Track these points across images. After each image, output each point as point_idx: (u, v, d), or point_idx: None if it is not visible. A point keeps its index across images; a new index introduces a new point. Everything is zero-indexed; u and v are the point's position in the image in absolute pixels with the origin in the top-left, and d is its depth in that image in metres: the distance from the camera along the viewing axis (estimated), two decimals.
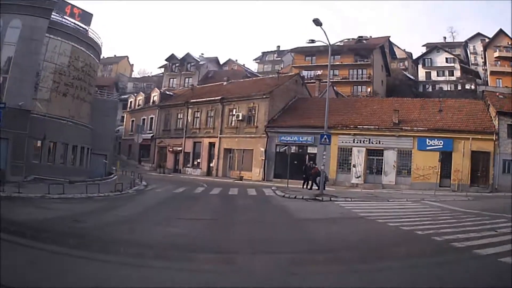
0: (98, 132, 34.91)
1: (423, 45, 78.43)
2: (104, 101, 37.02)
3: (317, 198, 20.19)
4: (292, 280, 6.00)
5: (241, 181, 33.72)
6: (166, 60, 74.35)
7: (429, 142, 31.54)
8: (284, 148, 35.02)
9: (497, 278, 6.50)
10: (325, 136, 22.24)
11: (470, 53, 74.96)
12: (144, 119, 52.11)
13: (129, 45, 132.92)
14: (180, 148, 43.41)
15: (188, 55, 72.73)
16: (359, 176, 32.73)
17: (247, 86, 40.76)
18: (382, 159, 32.50)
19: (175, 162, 44.43)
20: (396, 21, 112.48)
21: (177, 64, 72.62)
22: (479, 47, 70.62)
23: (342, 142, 33.02)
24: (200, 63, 72.91)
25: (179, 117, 44.75)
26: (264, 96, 36.23)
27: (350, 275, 6.34)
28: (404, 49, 79.58)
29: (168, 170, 42.53)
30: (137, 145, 52.23)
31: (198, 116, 42.17)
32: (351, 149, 33.01)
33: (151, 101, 51.82)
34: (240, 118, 37.09)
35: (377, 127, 32.80)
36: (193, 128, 42.44)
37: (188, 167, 42.23)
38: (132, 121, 55.70)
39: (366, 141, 32.76)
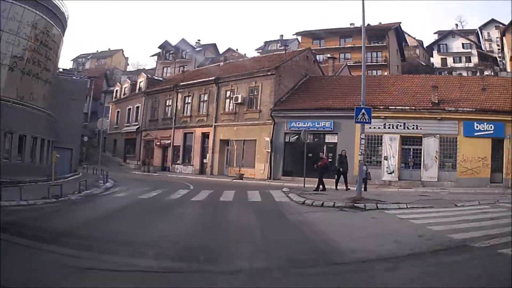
0: (62, 121, 27.97)
1: (435, 32, 72.45)
2: (70, 82, 29.83)
3: (357, 205, 12.92)
4: None
5: (241, 180, 26.60)
6: (159, 47, 67.58)
7: (477, 127, 24.54)
8: (295, 137, 27.83)
9: None
10: (363, 110, 14.98)
11: (485, 39, 69.05)
12: (129, 109, 45.11)
13: (124, 38, 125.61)
14: (169, 141, 36.21)
15: (183, 41, 65.80)
16: (392, 172, 25.51)
17: (248, 65, 33.42)
18: (421, 149, 25.39)
19: (163, 158, 37.23)
20: (403, 9, 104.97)
21: (171, 52, 65.77)
22: (494, 34, 64.88)
23: (370, 127, 25.37)
24: (196, 50, 65.87)
25: (167, 104, 37.52)
26: (269, 73, 28.95)
27: None
28: (415, 37, 73.05)
29: (154, 168, 35.28)
30: (122, 140, 45.52)
31: (189, 101, 34.89)
32: (381, 136, 25.80)
33: (137, 88, 44.65)
34: (240, 101, 29.82)
35: (413, 108, 25.59)
36: (183, 116, 35.17)
37: (178, 164, 35.00)
38: (118, 112, 48.75)
39: (400, 126, 25.56)
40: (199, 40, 68.56)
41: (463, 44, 65.58)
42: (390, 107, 25.86)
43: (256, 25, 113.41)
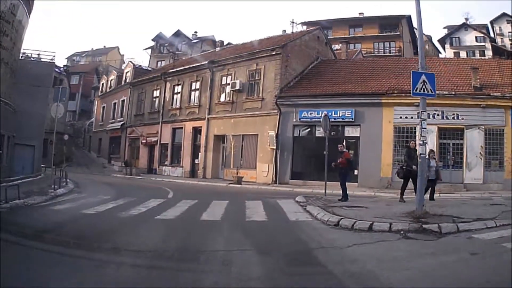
0: (24, 112, 22.72)
1: (444, 27, 67.92)
2: (33, 65, 24.48)
3: (426, 226, 7.68)
4: None
5: (239, 185, 21.38)
6: (152, 40, 62.41)
7: None
8: (306, 129, 22.66)
9: None
10: (424, 76, 9.79)
11: (496, 34, 64.68)
12: (115, 103, 39.84)
13: (121, 37, 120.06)
14: (156, 139, 30.92)
15: (178, 33, 60.59)
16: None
17: (248, 48, 27.93)
18: (462, 144, 20.23)
19: (149, 159, 31.91)
20: (409, 4, 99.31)
21: (165, 45, 60.52)
22: (507, 28, 60.47)
23: (400, 117, 20.71)
24: (193, 42, 60.59)
25: (154, 95, 32.21)
26: (274, 53, 23.62)
27: None
28: (423, 32, 68.20)
29: (138, 170, 29.94)
30: (107, 138, 40.28)
31: (178, 91, 29.54)
32: (414, 128, 20.47)
33: (123, 79, 39.46)
34: (237, 87, 24.50)
35: (453, 93, 20.33)
36: (172, 108, 29.82)
37: (166, 165, 29.63)
38: (103, 107, 43.53)
39: (438, 115, 20.37)
40: (196, 32, 63.26)
41: (476, 37, 61.37)
42: None
43: (257, 21, 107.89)
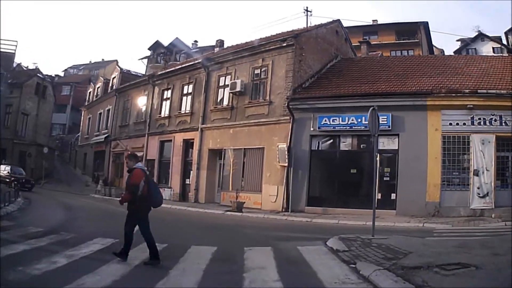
0: None
1: (457, 40, 64.25)
2: None
3: None
4: None
5: (239, 214, 16.36)
6: (149, 49, 58.17)
7: None
8: (328, 141, 17.68)
9: None
10: None
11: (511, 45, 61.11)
12: (100, 114, 35.21)
13: (121, 51, 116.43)
14: (141, 154, 25.97)
15: (176, 41, 56.29)
16: (486, 194, 15.20)
17: (252, 44, 23.09)
18: None
19: None
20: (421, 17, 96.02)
21: (162, 53, 56.31)
22: None
23: (450, 123, 15.75)
24: (192, 50, 56.28)
25: (141, 103, 27.47)
26: (285, 44, 18.71)
27: None
28: (435, 45, 64.88)
29: (120, 190, 24.91)
30: (92, 153, 35.53)
31: (168, 96, 24.67)
32: (467, 137, 15.63)
33: (109, 86, 34.94)
34: (238, 89, 19.58)
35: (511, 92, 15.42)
36: (160, 118, 24.93)
37: None
38: (89, 118, 38.91)
39: (495, 120, 15.44)
40: (196, 41, 59.09)
41: (493, 48, 57.70)
42: (479, 91, 15.62)
43: (265, 29, 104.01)
